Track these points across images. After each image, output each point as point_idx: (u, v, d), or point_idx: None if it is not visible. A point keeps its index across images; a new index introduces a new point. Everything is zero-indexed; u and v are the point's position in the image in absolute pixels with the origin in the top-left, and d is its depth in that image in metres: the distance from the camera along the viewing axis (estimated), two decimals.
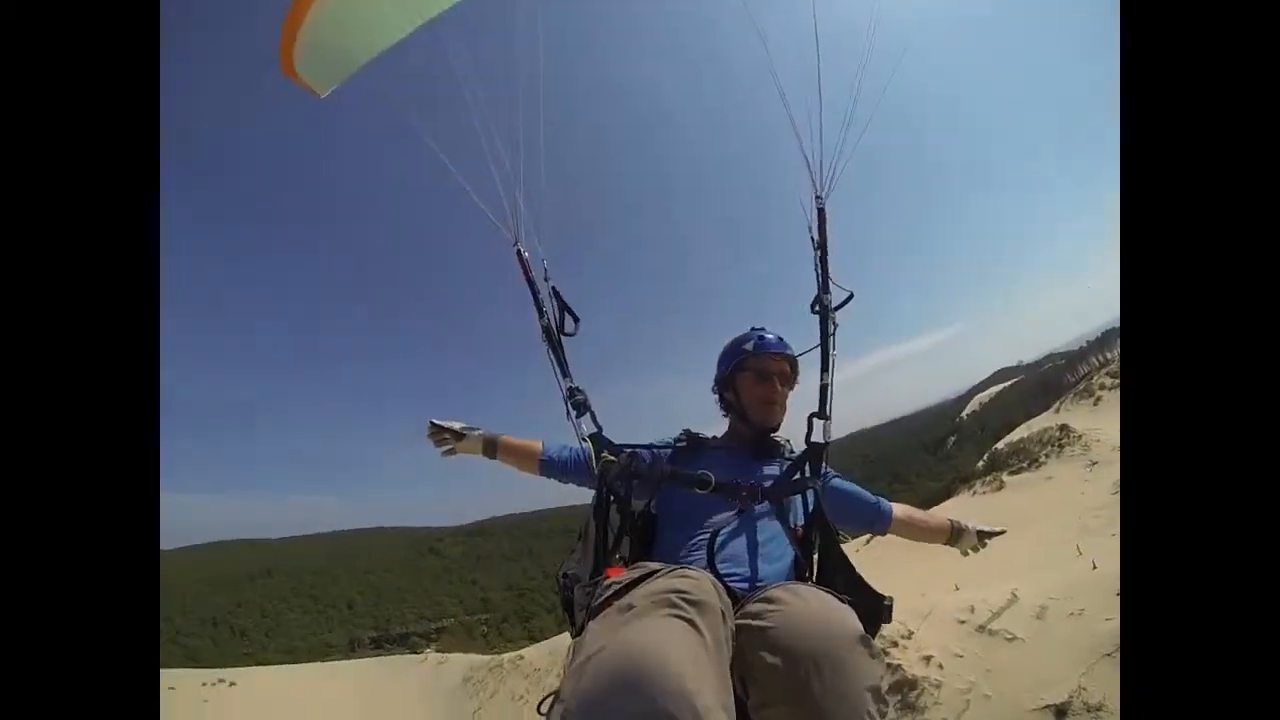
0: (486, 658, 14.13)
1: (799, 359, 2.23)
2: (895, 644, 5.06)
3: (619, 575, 1.51)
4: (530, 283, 2.20)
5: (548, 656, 11.32)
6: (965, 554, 2.44)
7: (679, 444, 2.22)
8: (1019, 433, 25.42)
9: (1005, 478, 20.02)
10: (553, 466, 2.29)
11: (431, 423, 2.29)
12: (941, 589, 6.63)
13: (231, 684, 16.15)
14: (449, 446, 2.29)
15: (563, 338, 2.19)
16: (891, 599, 1.60)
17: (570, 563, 1.77)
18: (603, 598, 1.41)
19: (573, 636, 1.56)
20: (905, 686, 4.65)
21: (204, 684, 16.07)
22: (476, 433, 2.30)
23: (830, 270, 2.13)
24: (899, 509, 2.35)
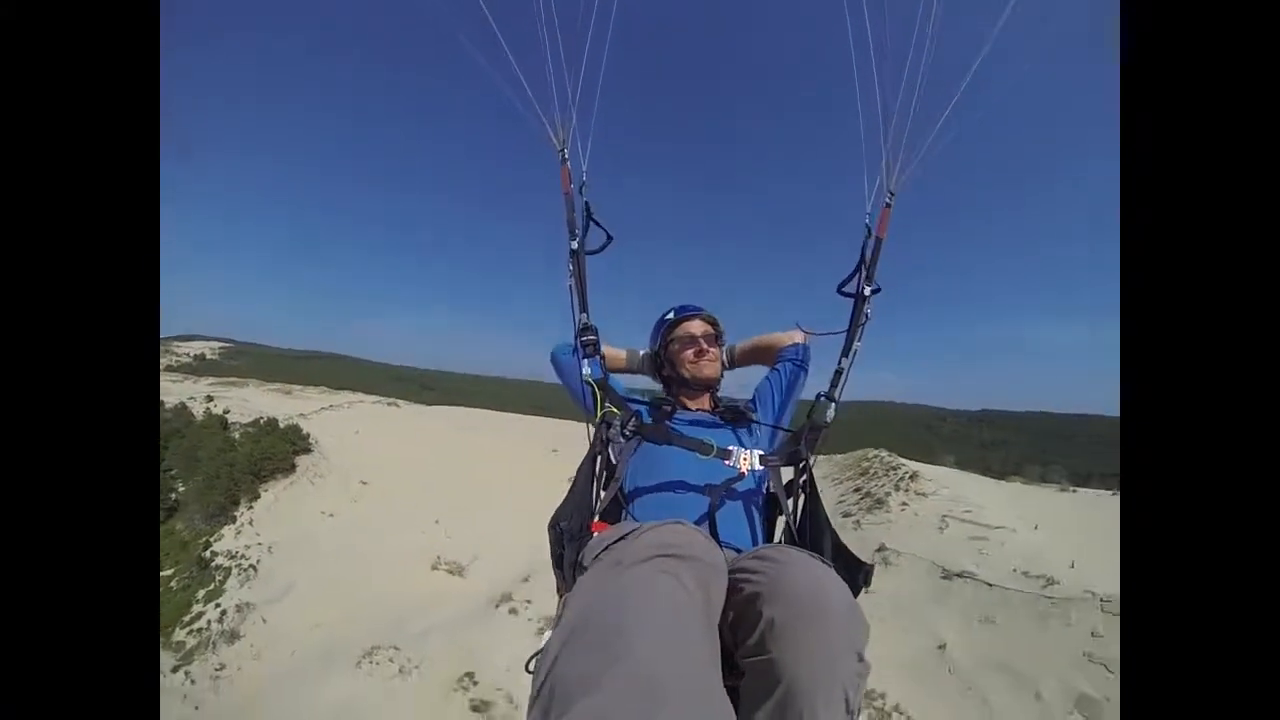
0: None
1: (826, 335, 2.29)
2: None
3: (605, 531, 1.54)
4: (566, 198, 2.12)
5: None
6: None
7: (663, 405, 2.20)
8: None
9: None
10: (560, 355, 2.29)
11: None
12: None
13: None
14: None
15: (588, 258, 2.12)
16: (872, 566, 1.65)
17: (562, 514, 1.75)
18: (594, 554, 1.43)
19: (561, 593, 1.66)
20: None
21: None
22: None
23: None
24: (793, 336, 2.45)
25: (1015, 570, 15.82)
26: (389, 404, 39.79)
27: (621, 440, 2.00)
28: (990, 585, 11.93)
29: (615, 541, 1.39)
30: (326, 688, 12.32)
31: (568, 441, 34.53)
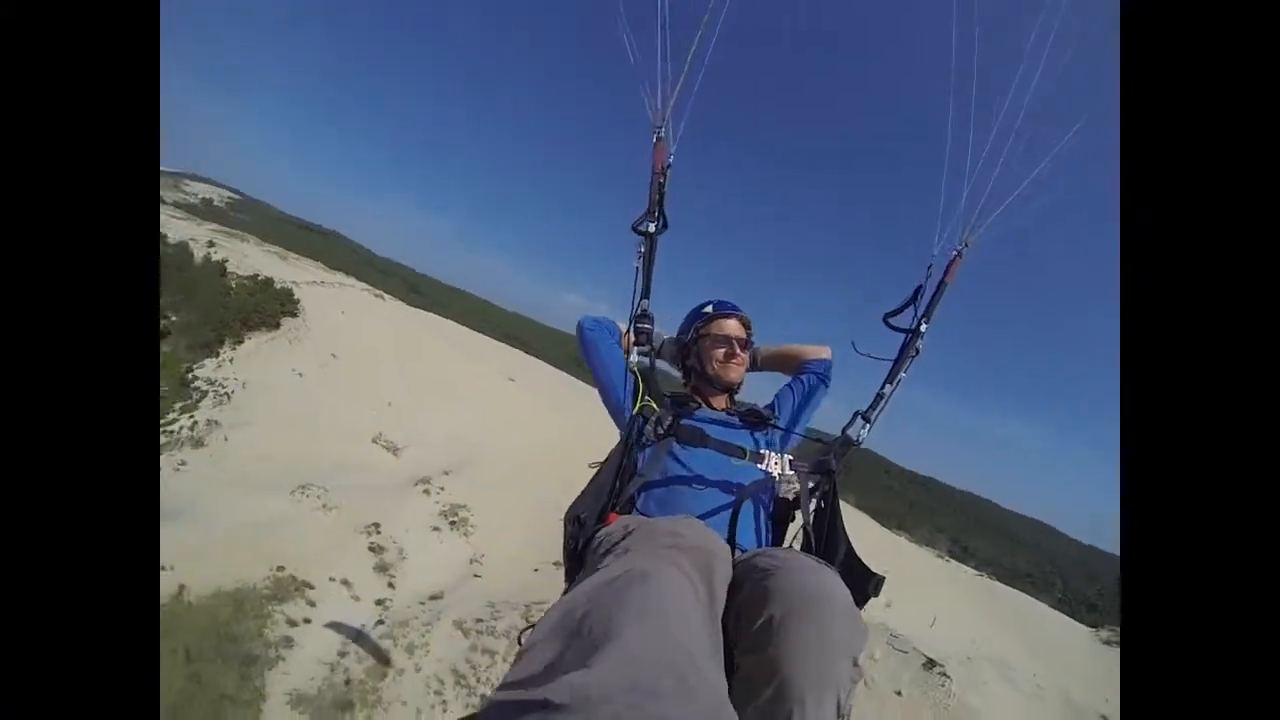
0: None
1: (878, 360, 2.26)
2: None
3: (615, 523, 1.57)
4: (655, 177, 2.11)
5: None
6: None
7: (687, 401, 2.22)
8: None
9: None
10: (592, 331, 2.25)
11: None
12: None
13: None
14: None
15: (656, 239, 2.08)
16: (883, 577, 1.66)
17: (581, 505, 1.73)
18: (602, 543, 1.45)
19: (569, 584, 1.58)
20: None
21: None
22: None
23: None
24: (815, 351, 2.51)
25: None
26: (376, 295, 42.14)
27: (654, 438, 1.98)
28: None
29: (623, 532, 1.43)
30: (262, 502, 15.28)
31: (525, 374, 37.61)
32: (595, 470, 1.88)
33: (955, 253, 2.21)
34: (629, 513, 1.86)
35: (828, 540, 1.92)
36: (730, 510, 1.79)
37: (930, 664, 14.71)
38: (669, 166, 2.12)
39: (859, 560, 1.80)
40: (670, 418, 2.02)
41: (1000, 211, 2.11)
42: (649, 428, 1.99)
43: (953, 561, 36.81)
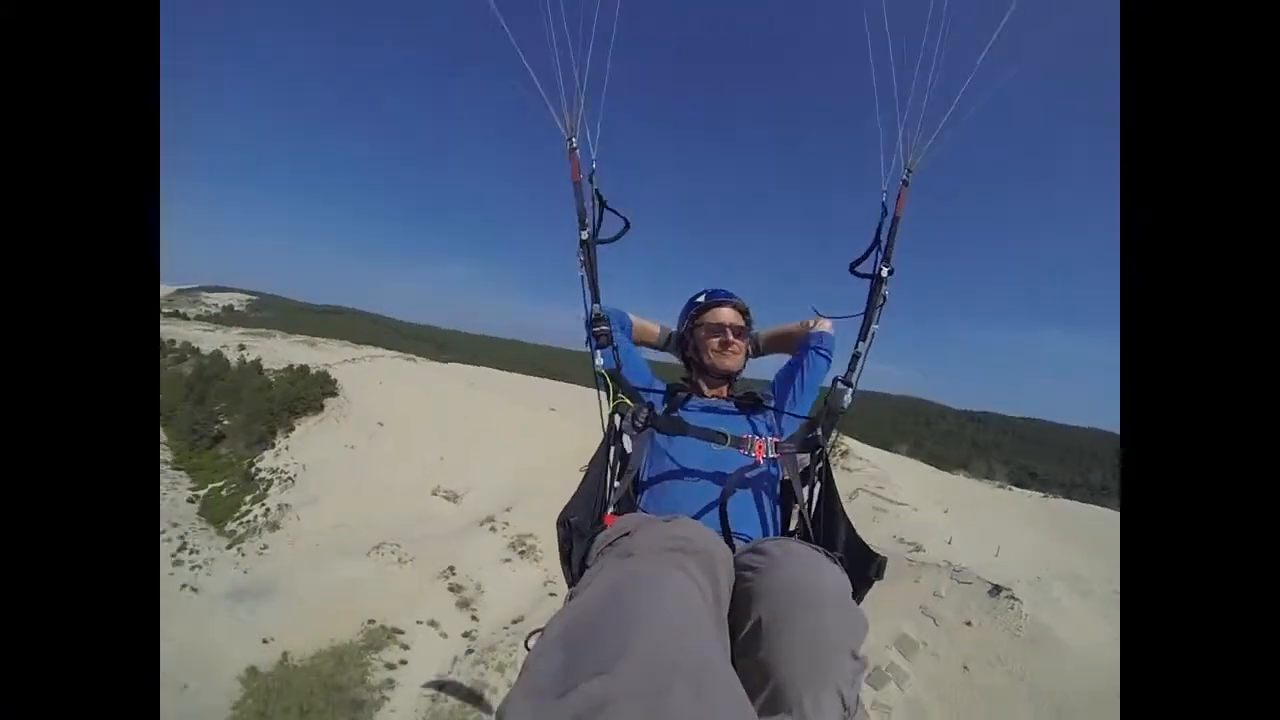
0: None
1: (833, 319, 2.29)
2: None
3: (613, 525, 1.53)
4: (576, 187, 2.05)
5: None
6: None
7: (677, 391, 2.19)
8: None
9: None
10: (604, 320, 2.14)
11: None
12: None
13: None
14: None
15: (599, 246, 2.07)
16: (885, 559, 1.57)
17: (571, 509, 1.67)
18: (602, 547, 1.42)
19: (570, 589, 1.48)
20: None
21: None
22: None
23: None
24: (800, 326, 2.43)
25: (893, 536, 18.71)
26: (407, 359, 43.55)
27: (634, 432, 1.96)
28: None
29: (624, 535, 1.39)
30: (343, 567, 16.52)
31: (566, 402, 38.10)
32: (584, 473, 1.86)
33: (901, 182, 2.13)
34: (627, 510, 1.85)
35: (826, 523, 1.84)
36: (719, 499, 1.77)
37: (996, 590, 14.66)
38: (594, 173, 2.09)
39: (860, 541, 1.71)
40: (645, 411, 1.99)
41: (940, 131, 2.06)
42: (626, 423, 1.97)
43: (1015, 489, 36.61)
